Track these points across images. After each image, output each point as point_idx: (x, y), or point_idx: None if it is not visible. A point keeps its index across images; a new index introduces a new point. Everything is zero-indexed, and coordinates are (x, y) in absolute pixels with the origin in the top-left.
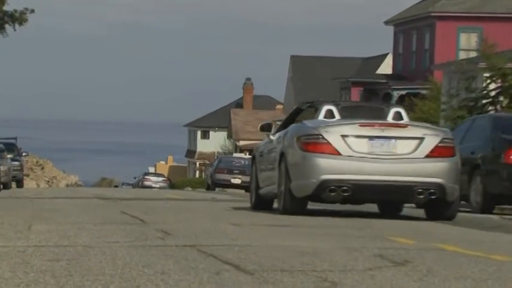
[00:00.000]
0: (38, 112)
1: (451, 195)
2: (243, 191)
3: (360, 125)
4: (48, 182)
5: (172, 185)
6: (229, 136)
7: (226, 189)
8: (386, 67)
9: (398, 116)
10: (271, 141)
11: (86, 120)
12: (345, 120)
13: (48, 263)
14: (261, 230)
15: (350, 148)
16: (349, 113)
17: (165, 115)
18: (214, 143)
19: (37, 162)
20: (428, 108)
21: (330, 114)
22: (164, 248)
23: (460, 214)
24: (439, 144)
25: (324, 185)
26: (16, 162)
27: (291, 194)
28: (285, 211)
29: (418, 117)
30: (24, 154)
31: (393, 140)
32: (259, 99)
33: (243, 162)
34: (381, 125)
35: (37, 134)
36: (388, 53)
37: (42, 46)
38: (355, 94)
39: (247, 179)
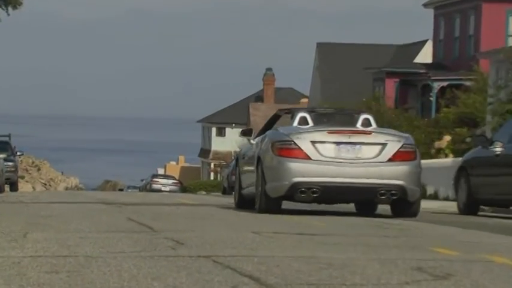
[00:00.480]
0: (33, 106)
1: (412, 196)
2: None
3: (328, 132)
4: (45, 184)
5: (183, 188)
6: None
7: None
8: (425, 55)
9: (367, 122)
10: (251, 145)
11: (86, 116)
12: (315, 127)
13: (46, 276)
14: (284, 239)
15: (319, 153)
16: (322, 119)
17: (176, 110)
18: (231, 141)
19: (33, 162)
20: (473, 102)
21: (304, 121)
22: (176, 258)
23: (508, 221)
24: (401, 149)
25: (295, 187)
26: (10, 163)
27: (266, 195)
28: (261, 210)
29: (460, 112)
30: (18, 154)
31: (358, 146)
32: (282, 92)
33: None
34: (347, 132)
35: (33, 131)
36: (427, 40)
37: (39, 33)
38: (390, 86)
39: None
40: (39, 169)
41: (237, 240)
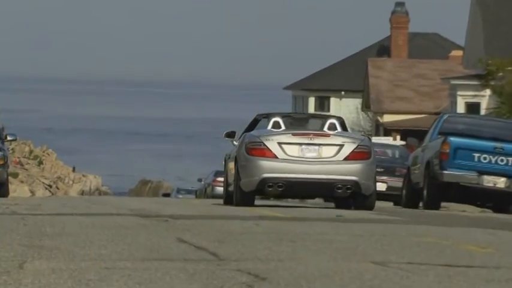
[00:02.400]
0: (36, 67)
1: (366, 190)
2: (390, 204)
3: (293, 135)
4: (50, 186)
5: None
6: (366, 106)
7: None
8: None
9: (333, 126)
10: (235, 146)
11: (111, 79)
12: (283, 130)
13: None
14: (424, 274)
15: (285, 153)
16: (292, 123)
17: (253, 74)
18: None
19: (31, 152)
20: None
21: (277, 124)
22: None
23: None
24: (356, 150)
25: (264, 182)
26: None
27: (241, 190)
28: (237, 204)
29: None
30: (9, 139)
31: (318, 147)
32: (420, 40)
33: (390, 153)
34: (309, 134)
35: (34, 102)
36: None
37: None
38: None
39: (397, 183)
40: (40, 162)
41: (350, 274)
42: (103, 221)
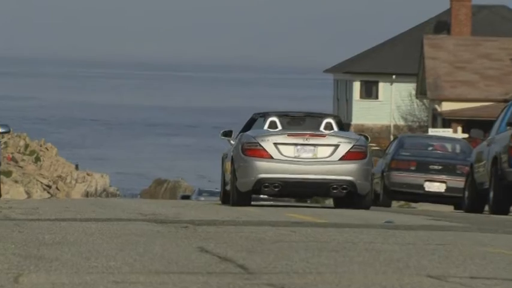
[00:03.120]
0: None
1: (362, 189)
2: (450, 208)
3: (288, 135)
4: (49, 187)
5: None
6: (421, 92)
7: (412, 203)
8: None
9: (329, 125)
10: (232, 145)
11: (124, 61)
12: (278, 130)
13: None
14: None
15: (280, 153)
16: (289, 123)
17: (288, 55)
18: (388, 106)
19: (27, 147)
20: None
21: (273, 124)
22: None
23: None
24: (351, 150)
25: (260, 182)
26: None
27: (237, 190)
28: (233, 204)
29: None
30: (1, 131)
31: (314, 147)
32: (485, 14)
33: (450, 148)
34: (304, 135)
35: (30, 88)
36: None
37: None
38: None
39: (458, 183)
40: (38, 159)
41: None
42: (111, 228)
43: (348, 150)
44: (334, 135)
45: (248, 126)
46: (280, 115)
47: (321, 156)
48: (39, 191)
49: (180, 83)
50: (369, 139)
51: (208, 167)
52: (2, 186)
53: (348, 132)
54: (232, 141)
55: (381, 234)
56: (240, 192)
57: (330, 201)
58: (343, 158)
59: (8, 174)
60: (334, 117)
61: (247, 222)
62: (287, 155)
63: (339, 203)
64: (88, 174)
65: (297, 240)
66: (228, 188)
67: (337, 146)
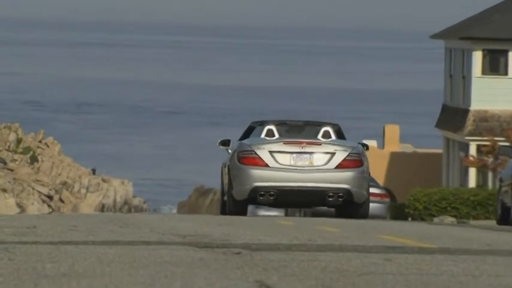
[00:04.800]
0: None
1: (358, 198)
2: None
3: (284, 143)
4: (50, 198)
5: (397, 204)
6: None
7: None
8: None
9: (327, 134)
10: (229, 154)
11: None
12: (274, 138)
13: None
14: None
15: (276, 161)
16: (286, 131)
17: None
18: None
19: (19, 142)
20: None
21: (270, 132)
22: None
23: None
24: (347, 158)
25: (256, 191)
26: None
27: (233, 198)
28: (230, 212)
29: None
30: None
31: (310, 155)
32: None
33: None
34: (300, 143)
35: (20, 60)
36: None
37: None
38: None
39: None
40: (34, 159)
41: None
42: (136, 254)
43: (344, 158)
44: (330, 143)
45: (246, 134)
46: (278, 123)
47: (317, 164)
48: (36, 204)
49: (238, 53)
50: (368, 147)
51: None
52: None
53: (344, 140)
54: (230, 150)
55: (511, 265)
56: (236, 200)
57: None
58: (339, 166)
59: None
60: (333, 125)
61: (324, 246)
62: (283, 163)
63: (340, 213)
64: (104, 181)
65: (393, 272)
66: (225, 198)
67: (333, 154)
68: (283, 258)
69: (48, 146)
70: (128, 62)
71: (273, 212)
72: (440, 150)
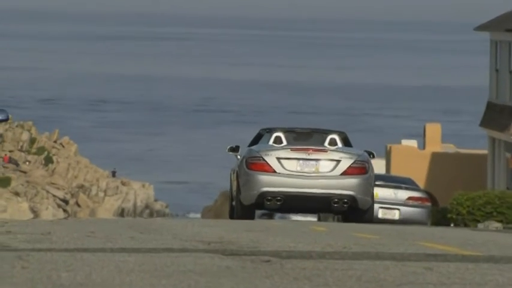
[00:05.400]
0: None
1: (363, 204)
2: None
3: (291, 150)
4: (66, 202)
5: (439, 209)
6: None
7: None
8: None
9: (333, 141)
10: (238, 160)
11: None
12: (282, 145)
13: None
14: None
15: (283, 167)
16: (293, 138)
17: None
18: None
19: (33, 142)
20: None
21: (278, 139)
22: None
23: None
24: (352, 165)
25: (263, 196)
26: None
27: (241, 203)
28: (238, 217)
29: None
30: None
31: (316, 162)
32: None
33: None
34: (307, 149)
35: (32, 54)
36: None
37: None
38: None
39: None
40: (49, 160)
41: None
42: (158, 262)
43: (349, 166)
44: (336, 150)
45: (255, 141)
46: (286, 131)
47: (323, 171)
48: (50, 208)
49: (275, 45)
50: (374, 155)
51: None
52: None
53: (350, 148)
54: (239, 156)
55: None
56: (243, 205)
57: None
58: (344, 173)
59: (4, 182)
60: (340, 133)
61: (360, 254)
62: (290, 169)
63: (346, 219)
64: (123, 184)
65: (434, 281)
66: (233, 203)
67: (338, 161)
68: (315, 267)
69: (63, 146)
70: (154, 56)
71: (305, 217)
72: (485, 151)
